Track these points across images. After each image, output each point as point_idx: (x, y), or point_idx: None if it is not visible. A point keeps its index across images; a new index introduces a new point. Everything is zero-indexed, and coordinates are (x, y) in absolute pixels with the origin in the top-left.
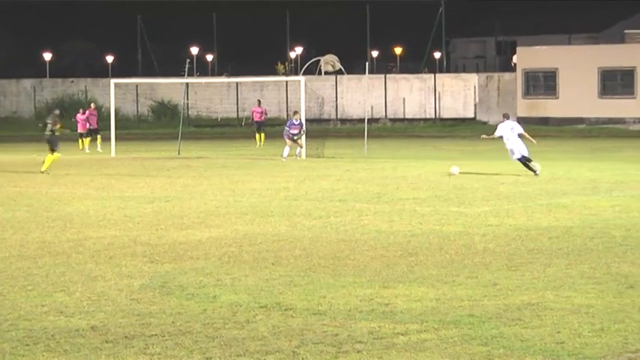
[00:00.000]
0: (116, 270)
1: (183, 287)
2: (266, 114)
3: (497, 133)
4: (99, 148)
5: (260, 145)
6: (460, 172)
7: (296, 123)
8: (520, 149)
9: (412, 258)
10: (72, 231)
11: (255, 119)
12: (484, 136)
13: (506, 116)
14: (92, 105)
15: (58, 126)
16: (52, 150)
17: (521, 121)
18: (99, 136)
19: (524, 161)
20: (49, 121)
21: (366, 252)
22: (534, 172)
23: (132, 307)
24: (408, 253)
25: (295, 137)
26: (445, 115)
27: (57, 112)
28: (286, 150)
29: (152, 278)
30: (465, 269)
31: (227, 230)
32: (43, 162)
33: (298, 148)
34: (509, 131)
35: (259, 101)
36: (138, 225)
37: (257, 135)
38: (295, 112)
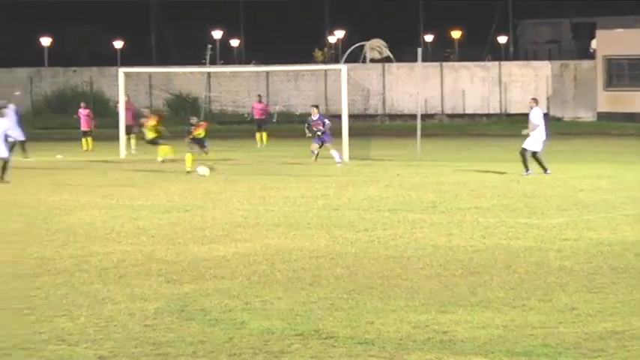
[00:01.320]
0: (127, 291)
1: (205, 311)
2: (269, 111)
3: (536, 121)
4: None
5: (262, 146)
6: (531, 177)
7: (315, 119)
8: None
9: (475, 278)
10: (75, 246)
11: (257, 116)
12: (525, 131)
13: (536, 101)
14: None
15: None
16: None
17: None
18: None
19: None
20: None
21: (421, 270)
22: (526, 170)
23: (146, 334)
24: (470, 271)
25: (318, 133)
26: (512, 109)
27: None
28: (315, 147)
29: (169, 301)
30: (538, 291)
31: (256, 245)
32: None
33: (333, 151)
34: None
35: (260, 96)
36: (152, 239)
37: (258, 134)
38: (314, 106)
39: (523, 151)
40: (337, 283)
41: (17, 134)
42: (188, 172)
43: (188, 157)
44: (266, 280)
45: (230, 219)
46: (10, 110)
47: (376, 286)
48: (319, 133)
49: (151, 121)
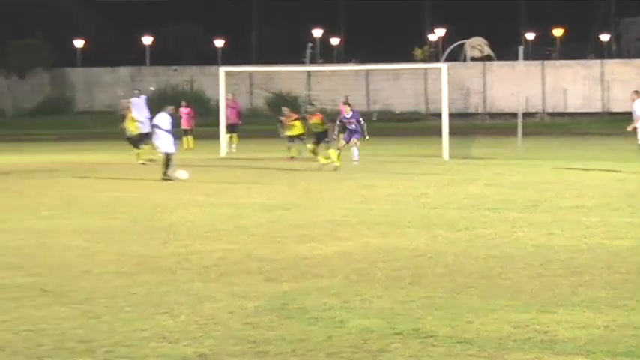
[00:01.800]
0: (228, 289)
1: (305, 310)
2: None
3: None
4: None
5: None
6: (635, 177)
7: (348, 117)
8: None
9: (576, 277)
10: (177, 243)
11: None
12: (630, 127)
13: (638, 93)
14: (230, 96)
15: None
16: None
17: None
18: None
19: None
20: None
21: (521, 270)
22: None
23: (246, 332)
24: (571, 271)
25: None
26: (614, 108)
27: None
28: (355, 151)
29: (269, 299)
30: None
31: (357, 243)
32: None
33: (354, 149)
34: None
35: (346, 97)
36: (253, 237)
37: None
38: (346, 104)
39: None
40: (437, 282)
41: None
42: (336, 166)
43: (332, 152)
44: (366, 278)
45: (330, 217)
46: (142, 101)
47: (476, 285)
48: (351, 129)
49: (291, 120)
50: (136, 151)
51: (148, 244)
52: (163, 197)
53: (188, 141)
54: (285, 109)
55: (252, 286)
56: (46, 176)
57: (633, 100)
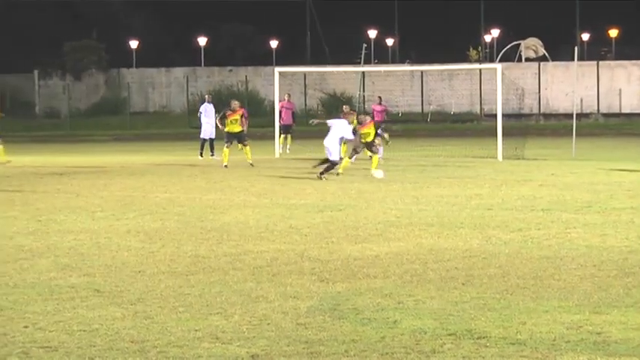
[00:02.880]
0: (280, 290)
1: (358, 310)
2: (388, 112)
3: None
4: (287, 149)
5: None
6: None
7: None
8: None
9: (629, 279)
10: (229, 244)
11: (376, 119)
12: None
13: None
14: (286, 97)
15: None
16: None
17: None
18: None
19: None
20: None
21: (574, 271)
22: None
23: (298, 332)
24: (625, 272)
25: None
26: None
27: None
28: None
29: (322, 300)
30: None
31: (409, 244)
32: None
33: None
34: None
35: (380, 98)
36: (305, 237)
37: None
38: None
39: None
40: (490, 283)
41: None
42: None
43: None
44: (418, 279)
45: (383, 218)
46: (210, 107)
47: (529, 286)
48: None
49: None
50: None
51: (200, 245)
52: (216, 198)
53: None
54: (345, 107)
55: (304, 286)
56: (100, 177)
57: None
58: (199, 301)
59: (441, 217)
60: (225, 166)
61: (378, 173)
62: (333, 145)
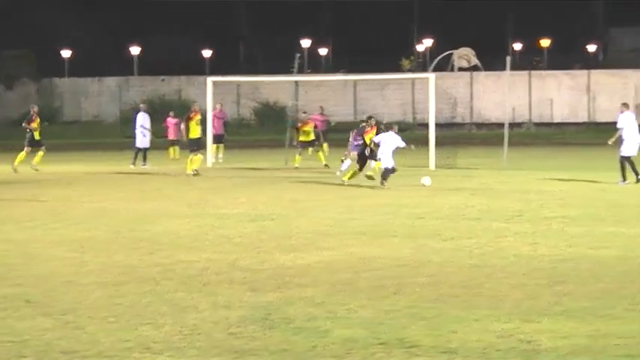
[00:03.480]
0: (211, 299)
1: (289, 320)
2: (329, 122)
3: (620, 124)
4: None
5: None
6: (620, 187)
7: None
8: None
9: (559, 287)
10: (160, 254)
11: (318, 128)
12: (611, 140)
13: (626, 106)
14: (218, 106)
15: None
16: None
17: None
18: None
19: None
20: None
21: (505, 280)
22: (623, 179)
23: (229, 342)
24: (555, 281)
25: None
26: (600, 118)
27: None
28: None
29: (253, 309)
30: (624, 301)
31: (341, 253)
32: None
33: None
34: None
35: (321, 108)
36: (237, 247)
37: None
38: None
39: (622, 160)
40: (421, 291)
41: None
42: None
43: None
44: (350, 288)
45: (315, 227)
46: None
47: (460, 295)
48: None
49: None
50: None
51: (131, 255)
52: (147, 207)
53: (174, 151)
54: (303, 114)
55: (235, 296)
56: (30, 186)
57: (622, 112)
58: (130, 311)
59: (372, 226)
60: (195, 172)
61: (426, 180)
62: (387, 156)
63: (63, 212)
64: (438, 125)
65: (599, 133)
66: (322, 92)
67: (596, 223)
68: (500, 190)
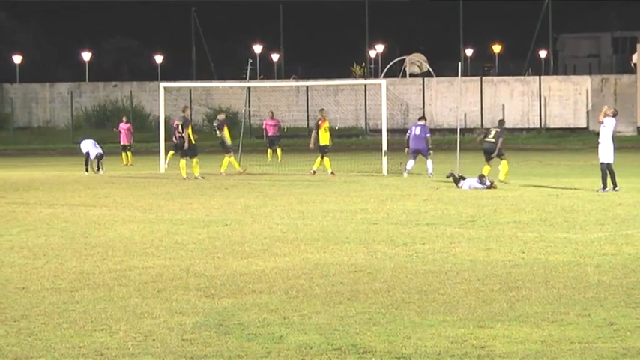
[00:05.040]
0: (166, 305)
1: (243, 326)
2: (281, 127)
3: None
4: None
5: (271, 162)
6: (572, 192)
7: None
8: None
9: (513, 292)
10: (114, 260)
11: (270, 133)
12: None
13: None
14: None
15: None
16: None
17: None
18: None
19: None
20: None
21: (459, 285)
22: (604, 187)
23: (184, 348)
24: (508, 286)
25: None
26: (552, 124)
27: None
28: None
29: (207, 315)
30: (576, 306)
31: (295, 259)
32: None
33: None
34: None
35: (272, 112)
36: (191, 253)
37: (270, 151)
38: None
39: (605, 167)
40: (375, 297)
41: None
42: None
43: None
44: (304, 294)
45: (269, 233)
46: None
47: (414, 300)
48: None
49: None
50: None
51: (85, 261)
52: (101, 213)
53: (127, 157)
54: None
55: (190, 302)
56: None
57: (607, 117)
58: (84, 317)
59: (326, 232)
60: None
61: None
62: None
63: (15, 218)
64: (390, 131)
65: (550, 139)
66: (275, 98)
67: (548, 229)
68: (454, 196)
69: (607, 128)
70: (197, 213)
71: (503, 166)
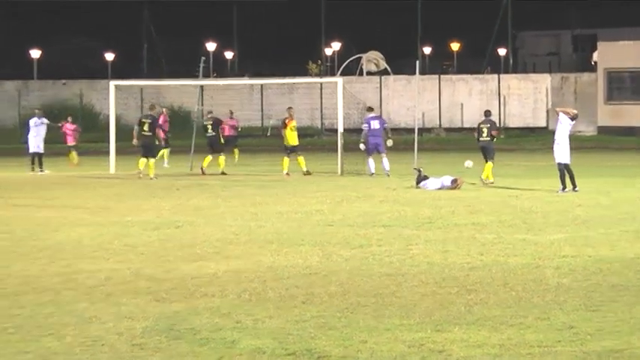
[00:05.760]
0: (115, 310)
1: (195, 330)
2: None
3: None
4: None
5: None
6: (531, 193)
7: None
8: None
9: (471, 296)
10: (61, 263)
11: (226, 133)
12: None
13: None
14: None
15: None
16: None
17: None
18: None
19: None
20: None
21: (416, 288)
22: (563, 187)
23: (134, 354)
24: (466, 289)
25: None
26: (511, 123)
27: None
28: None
29: (158, 320)
30: (535, 309)
31: (248, 262)
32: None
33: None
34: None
35: (231, 112)
36: (141, 256)
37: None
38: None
39: (563, 167)
40: (330, 301)
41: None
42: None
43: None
44: (257, 298)
45: (221, 235)
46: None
47: (370, 304)
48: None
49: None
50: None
51: (31, 264)
52: (48, 215)
53: (73, 156)
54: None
55: (140, 306)
56: None
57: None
58: (30, 322)
59: (280, 234)
60: (151, 177)
61: (469, 163)
62: None
63: None
64: (346, 130)
65: (510, 139)
66: (228, 96)
67: (506, 230)
68: (411, 197)
69: (563, 126)
70: (148, 215)
71: (487, 167)
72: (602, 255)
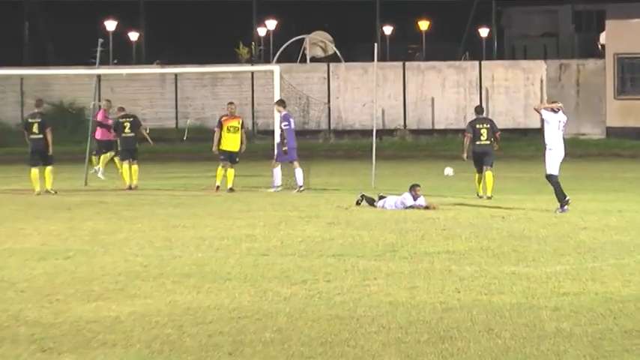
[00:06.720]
0: None
1: None
2: None
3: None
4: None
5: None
6: (522, 213)
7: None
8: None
9: (445, 344)
10: None
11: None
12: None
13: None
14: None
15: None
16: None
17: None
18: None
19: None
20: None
21: (375, 335)
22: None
23: None
24: (440, 336)
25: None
26: (497, 123)
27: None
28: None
29: None
30: None
31: (160, 302)
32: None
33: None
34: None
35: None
36: (22, 294)
37: (103, 156)
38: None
39: (551, 178)
40: (265, 351)
41: None
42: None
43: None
44: (172, 347)
45: (125, 268)
46: None
47: (316, 355)
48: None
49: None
50: None
51: None
52: None
53: None
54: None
55: (21, 357)
56: None
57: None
58: None
59: (201, 266)
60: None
61: (449, 171)
62: None
63: None
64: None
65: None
66: (133, 89)
67: (491, 261)
68: (368, 218)
69: (552, 126)
70: (30, 241)
71: (489, 177)
72: (612, 292)
